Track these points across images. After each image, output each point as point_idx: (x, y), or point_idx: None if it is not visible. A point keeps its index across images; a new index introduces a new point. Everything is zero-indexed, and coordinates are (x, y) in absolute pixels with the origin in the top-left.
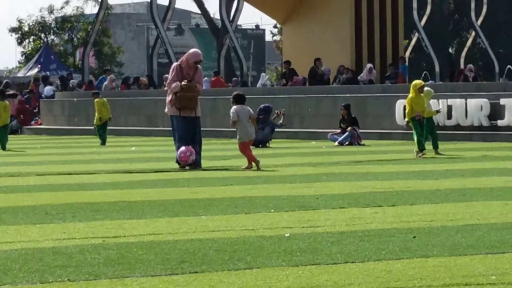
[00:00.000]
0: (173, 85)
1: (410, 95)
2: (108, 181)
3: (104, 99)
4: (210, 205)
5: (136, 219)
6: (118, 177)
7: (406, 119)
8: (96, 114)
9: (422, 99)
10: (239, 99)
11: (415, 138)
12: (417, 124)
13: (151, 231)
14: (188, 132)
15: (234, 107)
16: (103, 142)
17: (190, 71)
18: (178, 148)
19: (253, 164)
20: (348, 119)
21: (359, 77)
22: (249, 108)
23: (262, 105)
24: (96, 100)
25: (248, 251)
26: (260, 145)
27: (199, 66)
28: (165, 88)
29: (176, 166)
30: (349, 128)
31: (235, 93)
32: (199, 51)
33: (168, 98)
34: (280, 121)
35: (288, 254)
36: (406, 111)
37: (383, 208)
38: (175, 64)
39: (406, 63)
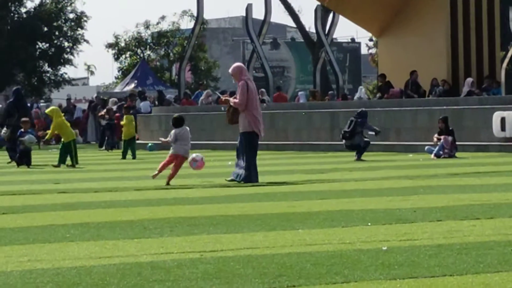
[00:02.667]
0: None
1: None
2: (205, 195)
3: (132, 116)
4: (307, 219)
5: (233, 233)
6: (215, 191)
7: None
8: (124, 129)
9: None
10: (179, 123)
11: None
12: None
13: (249, 245)
14: (239, 147)
15: (176, 130)
16: (131, 156)
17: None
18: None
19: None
20: (445, 132)
21: (465, 90)
22: (188, 129)
23: (360, 109)
24: (125, 116)
25: (346, 264)
26: (357, 152)
27: (240, 81)
28: None
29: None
30: (442, 136)
31: (175, 116)
32: (233, 65)
33: None
34: (378, 130)
35: (386, 268)
36: None
37: (481, 221)
38: None
39: (501, 87)
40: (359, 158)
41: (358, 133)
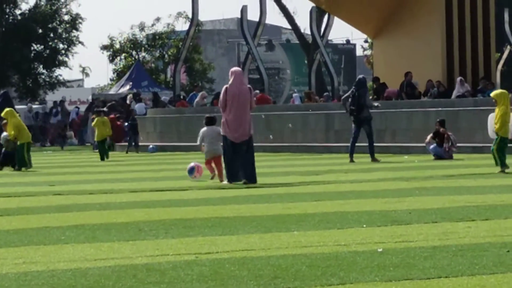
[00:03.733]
0: None
1: None
2: (200, 197)
3: (105, 117)
4: (302, 221)
5: (229, 235)
6: (210, 193)
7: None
8: (97, 131)
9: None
10: (209, 122)
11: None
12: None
13: (244, 247)
14: None
15: (202, 129)
16: (103, 158)
17: None
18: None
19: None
20: (443, 135)
21: (455, 92)
22: (219, 129)
23: (357, 78)
24: (97, 118)
25: (341, 266)
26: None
27: None
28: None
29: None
30: (450, 134)
31: (206, 116)
32: None
33: None
34: (376, 104)
35: (381, 269)
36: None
37: (476, 222)
38: None
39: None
40: (373, 159)
41: (362, 105)
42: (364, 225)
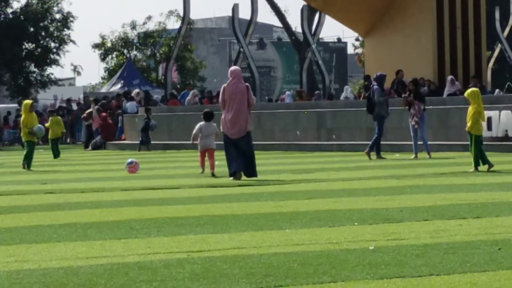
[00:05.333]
0: None
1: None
2: (192, 195)
3: (59, 117)
4: (294, 219)
5: (220, 233)
6: (202, 192)
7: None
8: (51, 130)
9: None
10: (207, 117)
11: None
12: None
13: (235, 245)
14: None
15: (200, 123)
16: (56, 156)
17: None
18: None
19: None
20: (415, 95)
21: (446, 91)
22: (215, 125)
23: (375, 74)
24: (51, 118)
25: (333, 264)
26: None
27: None
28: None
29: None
30: (415, 103)
31: (204, 110)
32: None
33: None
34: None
35: (373, 267)
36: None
37: (467, 220)
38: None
39: (487, 90)
40: (378, 156)
41: (374, 103)
42: (356, 223)
